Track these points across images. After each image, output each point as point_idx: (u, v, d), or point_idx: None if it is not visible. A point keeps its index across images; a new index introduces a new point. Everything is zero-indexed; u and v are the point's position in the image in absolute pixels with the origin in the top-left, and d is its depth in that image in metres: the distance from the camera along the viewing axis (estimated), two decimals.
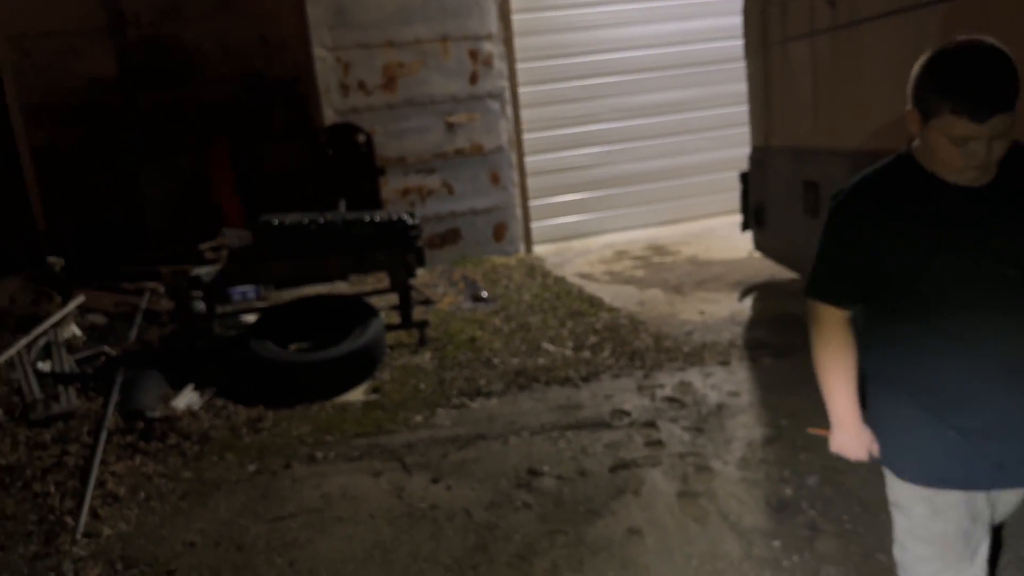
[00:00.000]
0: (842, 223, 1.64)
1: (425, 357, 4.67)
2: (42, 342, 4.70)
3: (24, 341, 4.60)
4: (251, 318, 5.25)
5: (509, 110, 7.07)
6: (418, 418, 3.88)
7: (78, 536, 2.98)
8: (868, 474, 2.93)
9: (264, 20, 7.01)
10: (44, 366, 4.47)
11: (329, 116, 6.58)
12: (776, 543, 2.62)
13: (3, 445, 3.71)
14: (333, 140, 6.25)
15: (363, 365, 4.42)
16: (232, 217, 6.73)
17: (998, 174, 1.54)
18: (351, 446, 3.64)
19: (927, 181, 1.56)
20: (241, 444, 3.72)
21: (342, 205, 5.43)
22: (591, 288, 5.83)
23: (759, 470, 3.09)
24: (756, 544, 2.62)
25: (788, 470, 3.07)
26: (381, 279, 5.92)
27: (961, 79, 1.42)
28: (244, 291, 6.03)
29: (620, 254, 6.84)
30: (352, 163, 6.26)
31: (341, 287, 6.13)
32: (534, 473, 3.23)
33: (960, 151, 1.47)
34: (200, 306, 4.90)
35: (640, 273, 6.22)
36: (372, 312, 4.71)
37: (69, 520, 3.10)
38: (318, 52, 6.51)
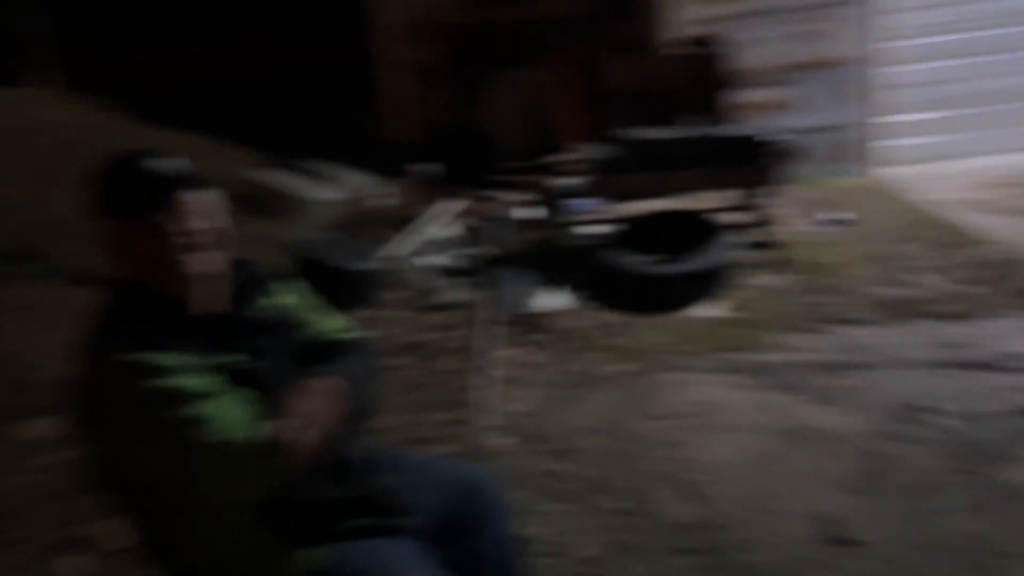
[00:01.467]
0: None
1: (778, 279, 4.58)
2: (425, 238, 5.33)
3: (412, 236, 5.26)
4: (595, 229, 5.50)
5: (866, 17, 6.48)
6: (777, 339, 3.86)
7: (484, 409, 3.42)
8: None
9: None
10: (431, 260, 5.08)
11: (677, 28, 6.51)
12: None
13: (408, 325, 4.32)
14: (686, 53, 6.19)
15: (716, 282, 4.47)
16: (574, 132, 7.00)
17: None
18: (714, 359, 3.73)
19: None
20: (610, 344, 3.97)
21: (695, 120, 5.41)
22: (958, 217, 5.29)
23: None
24: None
25: None
26: (717, 196, 5.86)
27: None
28: (585, 203, 6.29)
29: (992, 181, 6.08)
30: (700, 77, 6.17)
31: (683, 203, 6.15)
32: (917, 408, 3.10)
33: None
34: (552, 215, 5.24)
35: (1020, 203, 5.52)
36: (722, 229, 4.71)
37: (472, 395, 3.56)
38: None
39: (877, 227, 5.21)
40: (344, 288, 4.48)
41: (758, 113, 6.67)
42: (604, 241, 4.89)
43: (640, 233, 4.93)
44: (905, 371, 3.42)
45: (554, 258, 4.88)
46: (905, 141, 6.77)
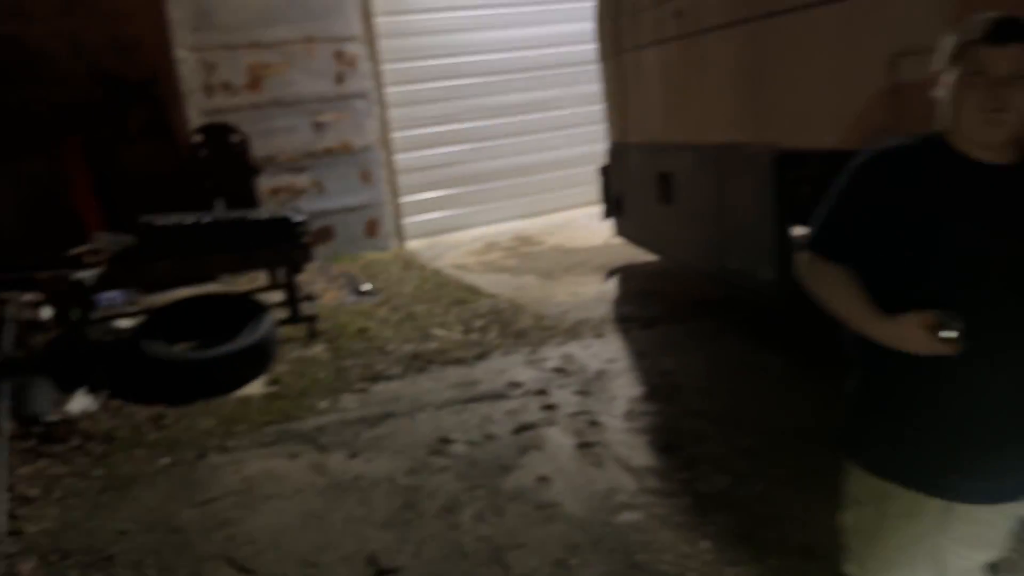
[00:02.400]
0: (856, 180, 1.58)
1: (318, 349, 4.83)
2: None
3: None
4: (126, 322, 5.18)
5: (376, 110, 7.28)
6: (323, 404, 4.07)
7: (1, 536, 2.98)
8: (736, 420, 3.47)
9: (116, 20, 6.83)
10: None
11: (194, 117, 6.53)
12: (663, 476, 3.07)
13: None
14: (205, 140, 6.22)
15: (259, 359, 4.54)
16: (91, 221, 6.51)
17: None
18: (262, 433, 3.79)
19: (953, 157, 1.53)
20: (147, 440, 3.77)
21: (220, 204, 5.45)
22: (468, 278, 6.17)
23: (641, 420, 3.56)
24: (647, 479, 3.07)
25: (665, 418, 3.55)
26: (255, 277, 5.97)
27: (986, 17, 1.46)
28: (112, 296, 5.87)
29: (490, 246, 7.22)
30: (225, 163, 6.25)
31: (213, 287, 6.10)
32: (446, 441, 3.53)
33: (980, 98, 1.45)
34: (71, 312, 4.80)
35: (511, 262, 6.63)
36: (261, 308, 4.81)
37: None
38: (180, 53, 6.44)
39: (401, 293, 5.82)
40: None
41: (287, 196, 6.99)
42: (135, 333, 4.64)
43: (176, 320, 4.78)
44: (433, 412, 3.86)
45: (76, 358, 4.46)
46: (421, 217, 7.69)
